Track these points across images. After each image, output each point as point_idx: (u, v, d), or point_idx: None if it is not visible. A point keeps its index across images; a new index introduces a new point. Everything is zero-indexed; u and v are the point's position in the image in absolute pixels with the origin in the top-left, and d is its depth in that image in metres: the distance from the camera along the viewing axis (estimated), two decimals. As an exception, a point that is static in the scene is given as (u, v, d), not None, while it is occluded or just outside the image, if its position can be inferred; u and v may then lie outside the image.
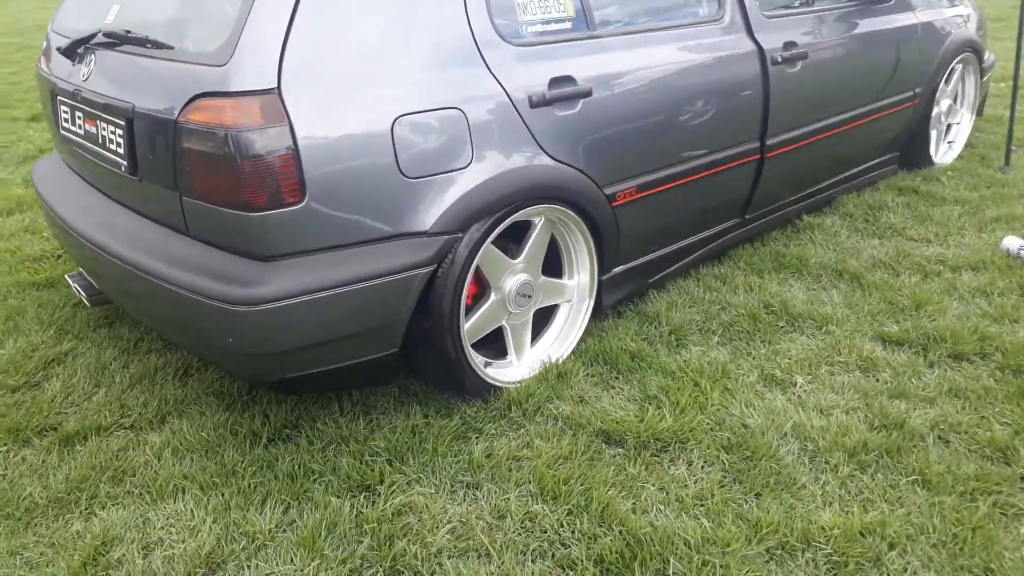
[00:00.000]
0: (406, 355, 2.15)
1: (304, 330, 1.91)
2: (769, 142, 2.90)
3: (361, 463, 2.02)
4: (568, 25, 2.33)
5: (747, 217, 3.05)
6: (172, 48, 2.00)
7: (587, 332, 2.54)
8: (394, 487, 1.95)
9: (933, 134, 4.05)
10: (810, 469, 1.98)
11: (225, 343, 1.91)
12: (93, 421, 2.24)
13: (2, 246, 3.45)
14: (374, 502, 1.91)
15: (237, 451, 2.09)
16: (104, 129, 2.20)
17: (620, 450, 2.08)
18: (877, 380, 2.32)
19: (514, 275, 2.29)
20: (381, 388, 2.34)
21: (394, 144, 1.92)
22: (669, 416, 2.16)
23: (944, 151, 4.19)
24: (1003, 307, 2.64)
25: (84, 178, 2.50)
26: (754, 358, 2.46)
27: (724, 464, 2.01)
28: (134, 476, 2.04)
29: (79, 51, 2.33)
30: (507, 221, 2.16)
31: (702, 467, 2.00)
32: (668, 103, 2.51)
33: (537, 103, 2.17)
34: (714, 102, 2.65)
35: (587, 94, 2.28)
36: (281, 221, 1.83)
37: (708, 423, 2.14)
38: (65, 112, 2.44)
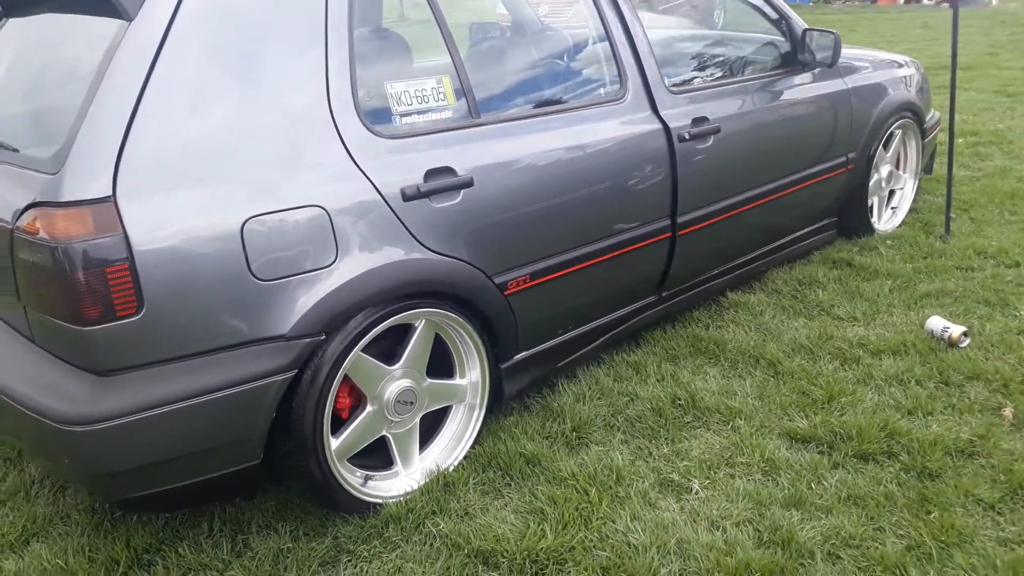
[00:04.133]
0: (273, 467, 2.06)
1: (147, 448, 1.81)
2: (681, 219, 2.83)
3: (215, 595, 1.92)
4: (449, 114, 2.28)
5: (664, 295, 2.97)
6: (17, 151, 1.96)
7: (486, 431, 2.45)
8: (244, 624, 1.84)
9: (874, 201, 3.99)
10: (688, 595, 1.87)
11: (62, 463, 1.82)
12: (-46, 544, 2.15)
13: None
14: (223, 640, 1.80)
15: (90, 581, 1.99)
16: None
17: (496, 573, 1.97)
18: (776, 485, 2.21)
19: (394, 382, 2.20)
20: (256, 503, 2.24)
21: (244, 247, 1.84)
22: (550, 533, 2.05)
23: (887, 217, 4.13)
24: (918, 398, 2.54)
25: None
26: (654, 459, 2.36)
27: (599, 589, 1.90)
28: (-21, 612, 1.93)
29: None
30: (374, 331, 2.08)
31: (576, 592, 1.90)
32: (561, 188, 2.45)
33: (411, 196, 2.11)
34: (614, 183, 2.59)
35: (468, 184, 2.21)
36: (116, 334, 1.75)
37: (590, 540, 2.03)
38: None
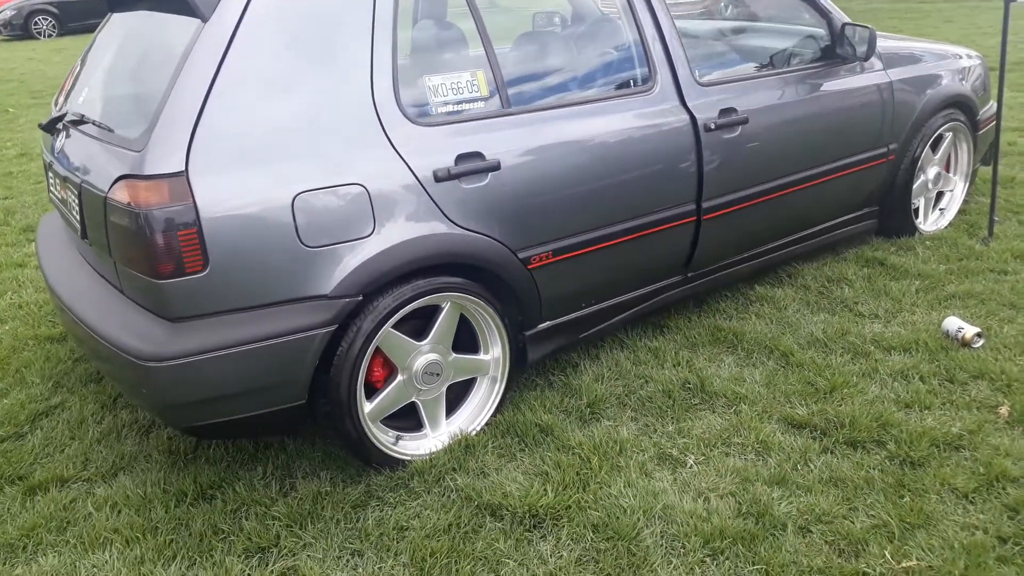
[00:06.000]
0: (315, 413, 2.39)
1: (208, 384, 2.17)
2: (706, 204, 3.00)
3: (262, 526, 2.27)
4: (481, 104, 2.54)
5: (691, 275, 3.16)
6: (112, 131, 2.35)
7: (510, 402, 2.73)
8: (284, 551, 2.18)
9: (920, 202, 4.03)
10: (665, 553, 2.10)
11: (141, 394, 2.21)
12: (58, 473, 2.57)
13: (31, 298, 3.90)
14: (267, 563, 2.15)
15: (163, 508, 2.37)
16: (69, 197, 2.56)
17: (500, 524, 2.25)
18: (764, 464, 2.41)
19: (422, 356, 2.49)
20: (304, 452, 2.58)
21: (294, 218, 2.17)
22: (551, 492, 2.32)
23: (934, 219, 4.15)
24: (918, 392, 2.68)
25: (68, 236, 2.87)
26: (657, 435, 2.59)
27: (588, 543, 2.15)
28: (75, 527, 2.34)
29: (57, 127, 2.71)
30: (403, 310, 2.37)
31: (568, 544, 2.16)
32: (583, 174, 2.66)
33: (442, 178, 2.39)
34: (638, 170, 2.78)
35: (495, 168, 2.47)
36: (185, 288, 2.11)
37: (586, 500, 2.29)
38: (50, 178, 2.84)
